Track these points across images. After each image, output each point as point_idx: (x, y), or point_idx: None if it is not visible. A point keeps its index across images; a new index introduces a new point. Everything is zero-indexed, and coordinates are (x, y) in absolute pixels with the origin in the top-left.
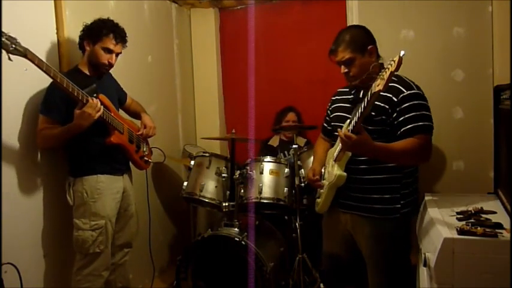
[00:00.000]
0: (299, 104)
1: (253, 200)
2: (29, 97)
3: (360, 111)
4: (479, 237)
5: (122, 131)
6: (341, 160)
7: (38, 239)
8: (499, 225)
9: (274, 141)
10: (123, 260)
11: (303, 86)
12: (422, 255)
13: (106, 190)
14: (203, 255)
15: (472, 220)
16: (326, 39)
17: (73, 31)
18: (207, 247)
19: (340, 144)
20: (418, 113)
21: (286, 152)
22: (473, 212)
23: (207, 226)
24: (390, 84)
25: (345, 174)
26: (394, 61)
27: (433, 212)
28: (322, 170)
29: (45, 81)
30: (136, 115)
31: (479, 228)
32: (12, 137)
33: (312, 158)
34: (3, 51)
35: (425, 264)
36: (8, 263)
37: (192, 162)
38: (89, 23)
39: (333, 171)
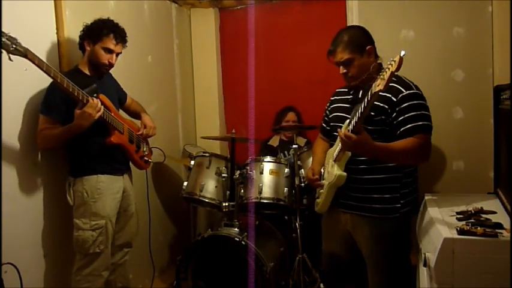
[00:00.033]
0: (299, 104)
1: (253, 200)
2: (29, 97)
3: (359, 111)
4: (479, 237)
5: (122, 131)
6: (341, 160)
7: (38, 239)
8: (499, 225)
9: (274, 141)
10: (123, 260)
11: (303, 86)
12: (422, 255)
13: (106, 190)
14: (203, 255)
15: (472, 220)
16: (326, 39)
17: (73, 31)
18: (207, 247)
19: (340, 144)
20: (417, 112)
21: (286, 152)
22: (473, 212)
23: (207, 226)
24: (390, 84)
25: (344, 174)
26: (395, 61)
27: (433, 212)
28: (322, 170)
29: (45, 81)
30: (136, 115)
31: (479, 228)
32: (12, 137)
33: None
34: (4, 52)
35: (425, 264)
36: (8, 263)
37: (192, 162)
38: (89, 23)
39: (333, 171)
